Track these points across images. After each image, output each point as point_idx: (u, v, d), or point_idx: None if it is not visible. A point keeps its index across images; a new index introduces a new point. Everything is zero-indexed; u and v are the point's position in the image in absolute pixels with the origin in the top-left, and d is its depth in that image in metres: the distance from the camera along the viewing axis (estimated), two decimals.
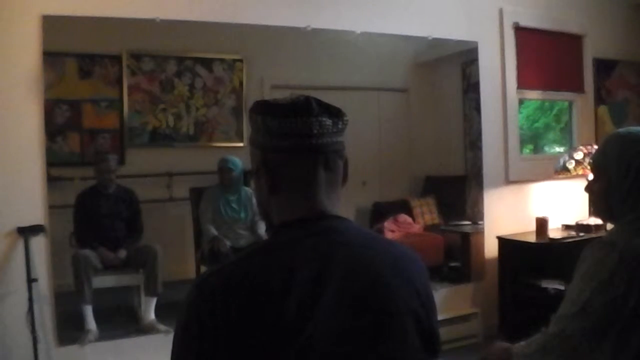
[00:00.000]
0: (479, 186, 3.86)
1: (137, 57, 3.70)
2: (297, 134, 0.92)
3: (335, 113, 0.95)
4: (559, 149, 4.42)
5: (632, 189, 1.31)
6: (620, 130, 1.39)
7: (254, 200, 3.34)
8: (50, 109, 3.02)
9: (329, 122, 0.93)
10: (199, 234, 3.64)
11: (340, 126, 0.95)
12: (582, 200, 3.76)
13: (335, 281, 0.86)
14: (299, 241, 0.91)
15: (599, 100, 4.28)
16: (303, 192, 0.94)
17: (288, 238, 0.92)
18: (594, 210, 1.42)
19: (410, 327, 0.92)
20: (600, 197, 1.39)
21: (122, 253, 3.32)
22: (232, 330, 0.82)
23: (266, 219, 1.01)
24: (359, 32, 3.45)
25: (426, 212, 4.47)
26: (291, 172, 0.94)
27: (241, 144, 3.81)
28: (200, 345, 0.83)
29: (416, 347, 0.92)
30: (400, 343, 0.90)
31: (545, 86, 4.06)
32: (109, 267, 3.30)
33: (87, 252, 3.18)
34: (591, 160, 1.49)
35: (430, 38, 3.65)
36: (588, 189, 1.44)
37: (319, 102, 0.94)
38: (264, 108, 0.95)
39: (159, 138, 3.79)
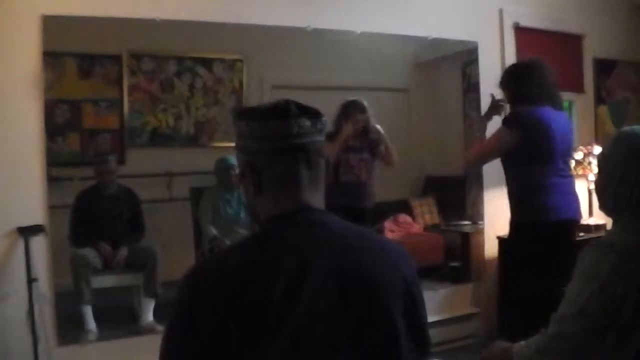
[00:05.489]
0: (479, 186, 3.86)
1: (137, 57, 3.70)
2: (278, 136, 0.97)
3: (314, 114, 1.00)
4: None
5: (619, 190, 1.31)
6: (624, 129, 1.39)
7: None
8: (50, 109, 3.02)
9: (307, 123, 0.98)
10: (199, 234, 3.64)
11: (319, 126, 1.01)
12: (582, 200, 3.76)
13: (321, 268, 0.91)
14: (284, 231, 0.96)
15: (599, 100, 4.28)
16: (287, 189, 0.99)
17: (274, 229, 0.98)
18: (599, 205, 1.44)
19: (397, 312, 0.95)
20: (598, 194, 1.41)
21: (124, 250, 3.32)
22: (222, 319, 0.86)
23: (255, 219, 1.05)
24: (359, 32, 3.44)
25: (426, 212, 4.48)
26: (275, 172, 0.99)
27: None
28: (191, 335, 0.86)
29: (403, 332, 0.95)
30: (387, 327, 0.94)
31: None
32: (109, 267, 3.30)
33: (86, 252, 3.18)
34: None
35: (430, 38, 3.65)
36: (595, 184, 1.46)
37: (298, 105, 1.00)
38: (245, 113, 1.01)
39: (159, 138, 3.79)
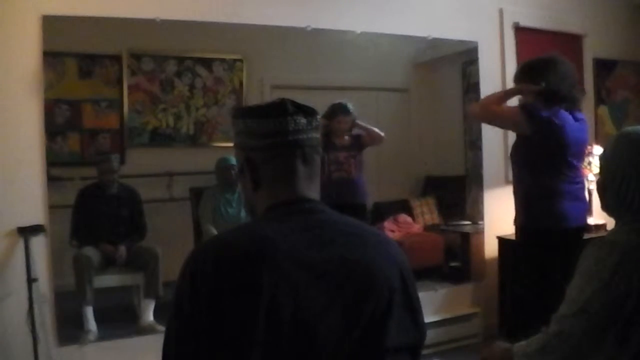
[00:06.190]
0: (479, 186, 3.86)
1: (137, 57, 3.70)
2: (274, 133, 1.01)
3: (310, 112, 1.04)
4: None
5: (620, 190, 1.31)
6: (625, 129, 1.39)
7: None
8: (50, 109, 3.02)
9: (303, 120, 1.02)
10: (199, 234, 3.64)
11: (314, 124, 1.05)
12: None
13: (316, 254, 0.94)
14: (280, 218, 0.99)
15: (599, 100, 4.28)
16: (284, 184, 1.03)
17: (271, 216, 1.01)
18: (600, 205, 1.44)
19: (391, 297, 0.97)
20: (600, 195, 1.41)
21: (122, 250, 3.31)
22: (220, 292, 0.89)
23: (253, 214, 1.09)
24: (359, 32, 3.45)
25: (426, 212, 4.47)
26: (272, 167, 1.02)
27: None
28: (192, 305, 0.90)
29: (396, 316, 0.97)
30: (380, 311, 0.95)
31: None
32: (109, 265, 3.30)
33: (89, 252, 3.18)
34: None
35: (430, 38, 3.65)
36: (596, 184, 1.45)
37: (294, 103, 1.03)
38: (244, 112, 1.06)
39: (159, 138, 3.79)
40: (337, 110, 3.62)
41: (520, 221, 2.64)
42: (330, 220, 1.01)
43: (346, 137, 3.68)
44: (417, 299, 1.04)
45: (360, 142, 3.70)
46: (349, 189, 3.61)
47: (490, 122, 2.94)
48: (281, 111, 1.01)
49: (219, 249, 0.95)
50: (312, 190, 1.04)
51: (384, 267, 0.99)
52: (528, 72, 2.64)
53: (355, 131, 3.71)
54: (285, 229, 0.96)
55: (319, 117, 1.06)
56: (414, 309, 1.02)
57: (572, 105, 2.58)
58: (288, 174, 1.02)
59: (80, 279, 3.07)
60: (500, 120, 2.73)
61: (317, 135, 1.06)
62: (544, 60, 2.63)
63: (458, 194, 4.28)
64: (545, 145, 2.49)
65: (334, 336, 0.90)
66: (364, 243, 1.00)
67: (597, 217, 3.61)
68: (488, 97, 2.76)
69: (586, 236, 3.40)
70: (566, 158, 2.52)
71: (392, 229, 4.23)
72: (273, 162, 1.02)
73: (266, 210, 1.03)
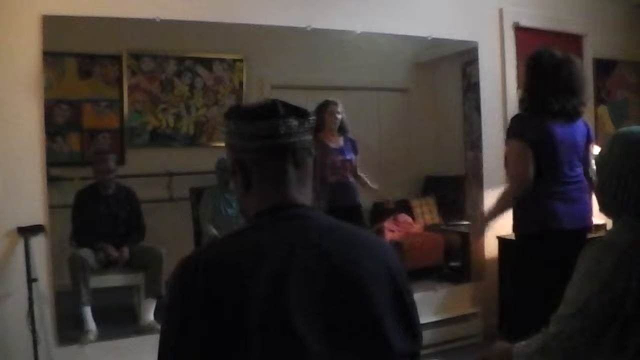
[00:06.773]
0: (479, 186, 3.85)
1: (137, 57, 3.70)
2: (265, 135, 0.99)
3: (302, 114, 1.02)
4: None
5: (617, 190, 1.31)
6: (621, 129, 1.39)
7: None
8: (50, 109, 3.02)
9: (295, 122, 1.00)
10: (199, 234, 3.64)
11: (306, 126, 1.03)
12: None
13: (306, 260, 0.92)
14: (270, 225, 0.98)
15: (599, 100, 4.28)
16: (275, 187, 1.02)
17: (261, 222, 1.00)
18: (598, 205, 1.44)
19: (382, 302, 0.96)
20: (597, 195, 1.41)
21: (126, 252, 3.31)
22: (211, 303, 0.88)
23: (244, 215, 1.08)
24: (359, 32, 3.45)
25: (426, 212, 4.47)
26: (263, 170, 1.01)
27: None
28: (183, 317, 0.89)
29: (389, 320, 0.96)
30: (371, 316, 0.94)
31: None
32: (109, 266, 3.30)
33: (85, 253, 3.17)
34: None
35: (430, 38, 3.65)
36: (594, 185, 1.45)
37: (285, 104, 1.02)
38: (234, 113, 1.04)
39: (159, 138, 3.79)
40: (326, 103, 3.61)
41: (515, 225, 2.63)
42: (321, 226, 1.00)
43: (340, 138, 3.66)
44: (412, 303, 1.02)
45: (356, 148, 3.70)
46: (346, 192, 3.62)
47: (519, 180, 2.56)
48: (272, 113, 0.99)
49: (210, 259, 0.94)
50: (303, 194, 1.03)
51: (377, 273, 0.97)
52: (529, 65, 2.61)
53: (350, 135, 3.70)
54: (275, 236, 0.95)
55: (311, 118, 1.04)
56: (409, 315, 1.00)
57: (560, 116, 2.50)
58: (278, 178, 1.01)
59: (76, 280, 3.06)
60: (523, 173, 2.48)
61: (309, 137, 1.04)
62: (555, 59, 2.56)
63: (458, 194, 4.28)
64: (533, 148, 2.46)
65: (327, 344, 0.89)
66: (356, 249, 0.99)
67: (597, 217, 3.60)
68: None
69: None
70: (556, 159, 2.48)
71: (392, 229, 4.23)
72: (263, 165, 1.01)
73: (256, 215, 1.02)
